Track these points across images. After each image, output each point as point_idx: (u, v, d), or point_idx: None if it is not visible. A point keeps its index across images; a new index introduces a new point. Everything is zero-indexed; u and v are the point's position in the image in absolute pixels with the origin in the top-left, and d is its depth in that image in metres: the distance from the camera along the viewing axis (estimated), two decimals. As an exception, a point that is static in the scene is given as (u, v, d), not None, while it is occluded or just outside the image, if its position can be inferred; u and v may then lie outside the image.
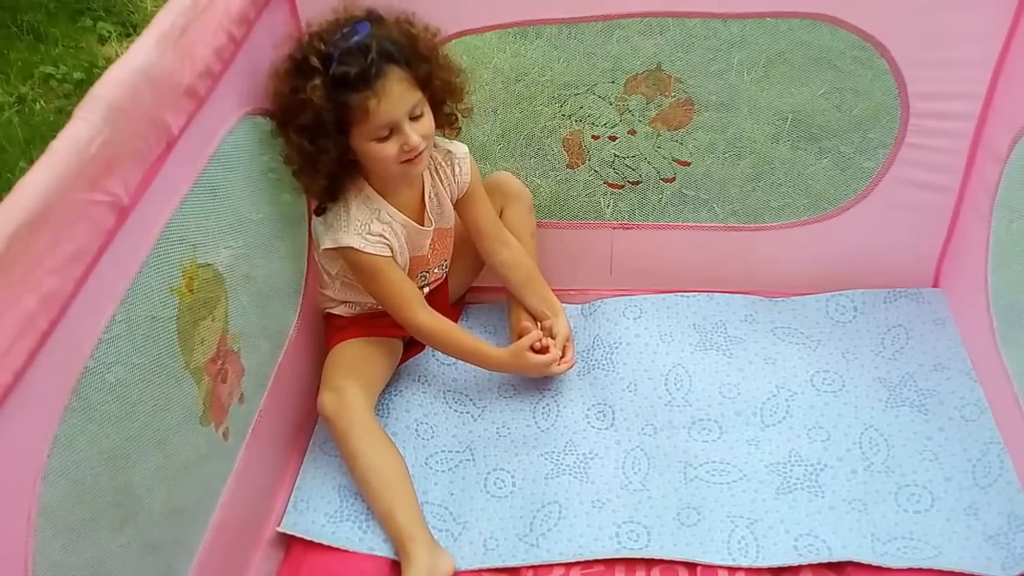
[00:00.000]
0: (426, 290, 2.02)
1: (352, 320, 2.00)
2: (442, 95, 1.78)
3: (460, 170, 1.93)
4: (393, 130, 1.69)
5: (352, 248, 1.79)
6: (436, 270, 2.02)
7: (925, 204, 2.04)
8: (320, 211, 1.83)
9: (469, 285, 2.22)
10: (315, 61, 1.62)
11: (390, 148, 1.71)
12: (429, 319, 1.90)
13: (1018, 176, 1.79)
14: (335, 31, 1.65)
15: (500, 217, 2.09)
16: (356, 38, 1.63)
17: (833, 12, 1.81)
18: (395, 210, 1.84)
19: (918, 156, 1.97)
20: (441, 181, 1.92)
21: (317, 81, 1.62)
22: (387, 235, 1.83)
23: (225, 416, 1.59)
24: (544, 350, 1.96)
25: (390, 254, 1.84)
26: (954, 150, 1.95)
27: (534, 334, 1.96)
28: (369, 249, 1.80)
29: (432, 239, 1.95)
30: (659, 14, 1.93)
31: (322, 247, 1.84)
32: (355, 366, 1.92)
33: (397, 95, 1.66)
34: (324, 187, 1.76)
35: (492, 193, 2.10)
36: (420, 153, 1.73)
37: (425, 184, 1.90)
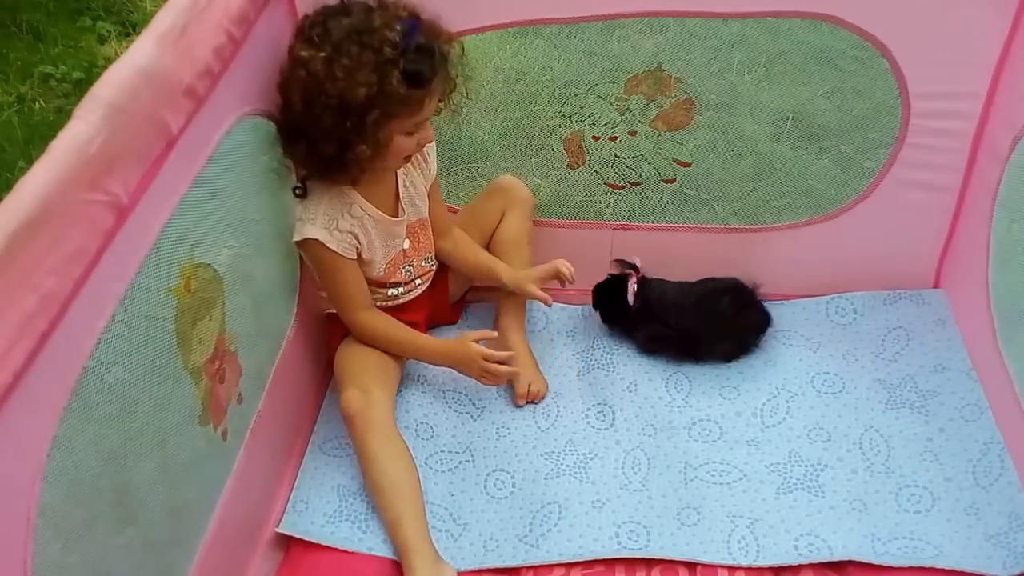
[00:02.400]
0: (418, 283, 2.02)
1: None
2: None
3: (431, 157, 1.95)
4: (418, 125, 1.74)
5: (317, 241, 1.78)
6: (422, 263, 2.01)
7: (926, 204, 2.03)
8: (302, 193, 1.80)
9: (467, 287, 2.22)
10: (390, 53, 1.61)
11: (411, 142, 1.76)
12: (369, 318, 1.93)
13: (1019, 176, 1.79)
14: (392, 22, 1.63)
15: (501, 220, 2.11)
16: (419, 38, 1.64)
17: (834, 12, 1.81)
18: (368, 203, 1.84)
19: (919, 156, 1.97)
20: (416, 169, 1.93)
21: (398, 74, 1.62)
22: (356, 231, 1.83)
23: (224, 416, 1.59)
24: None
25: (354, 255, 1.84)
26: (955, 150, 1.95)
27: (484, 332, 1.95)
28: (333, 246, 1.80)
29: (411, 231, 1.95)
30: (659, 14, 1.93)
31: (292, 239, 1.82)
32: (373, 363, 1.92)
33: (437, 94, 1.72)
34: (324, 166, 1.74)
35: (496, 195, 2.10)
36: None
37: (398, 175, 1.89)
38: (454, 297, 2.19)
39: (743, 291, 2.08)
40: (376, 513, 1.81)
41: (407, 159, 1.82)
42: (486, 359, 1.90)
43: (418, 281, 2.03)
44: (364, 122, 1.65)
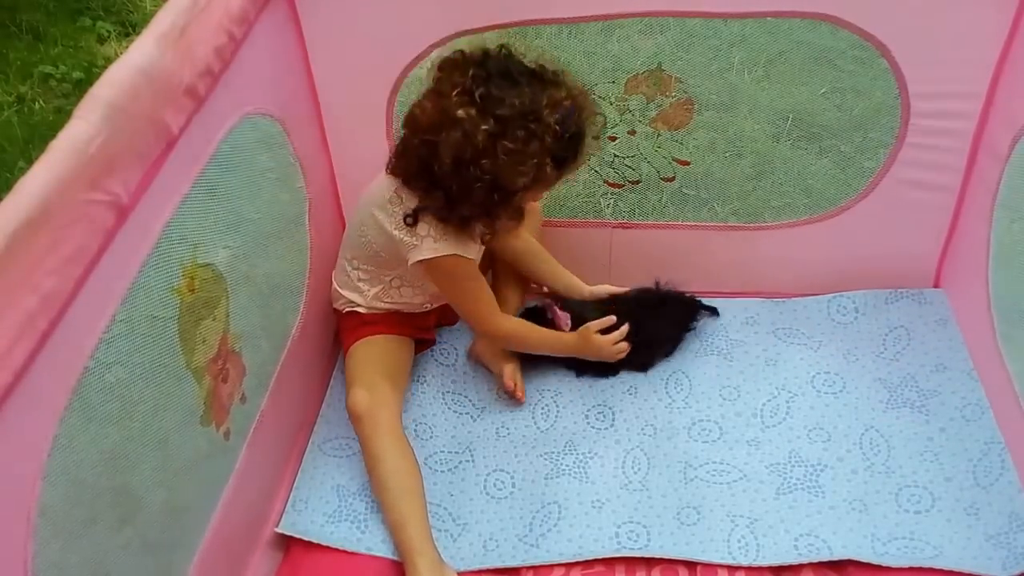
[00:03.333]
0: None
1: (379, 316, 1.99)
2: None
3: None
4: None
5: (455, 256, 1.78)
6: None
7: (926, 204, 2.03)
8: (412, 223, 1.77)
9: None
10: (550, 143, 1.64)
11: (536, 203, 1.82)
12: (507, 323, 1.95)
13: (1019, 176, 1.79)
14: (556, 104, 1.64)
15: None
16: (572, 125, 1.67)
17: (834, 12, 1.81)
18: None
19: (919, 156, 1.97)
20: None
21: (550, 161, 1.66)
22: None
23: (226, 416, 1.59)
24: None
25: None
26: (955, 150, 1.95)
27: (605, 320, 1.97)
28: (472, 255, 1.81)
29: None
30: (659, 14, 1.93)
31: (415, 259, 1.79)
32: (385, 365, 1.93)
33: (576, 169, 1.78)
34: (457, 220, 1.74)
35: None
36: None
37: None
38: None
39: (657, 291, 2.11)
40: (378, 513, 1.81)
41: None
42: (607, 343, 1.96)
43: None
44: (513, 202, 1.71)
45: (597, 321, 1.96)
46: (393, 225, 1.79)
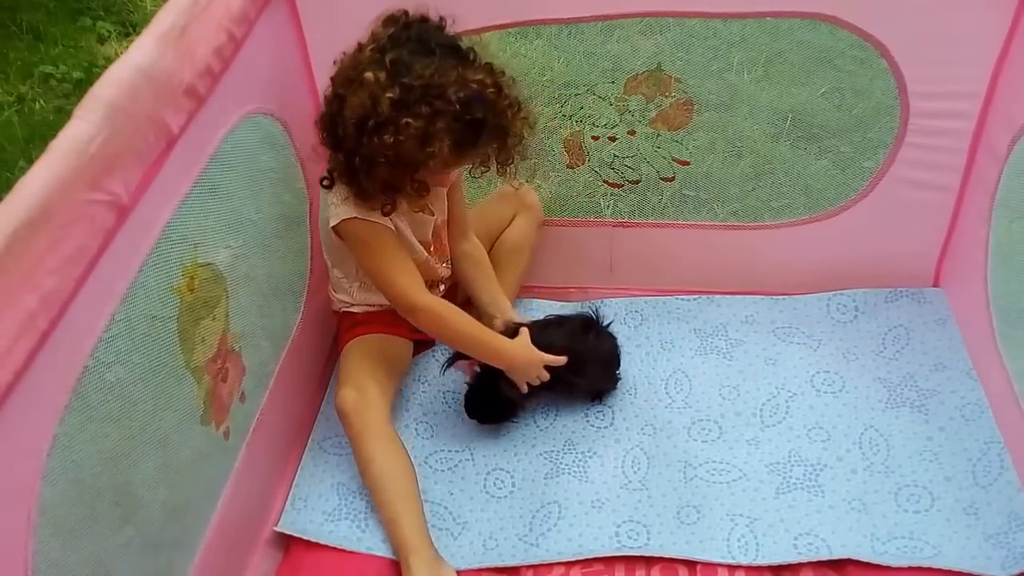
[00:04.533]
0: (441, 288, 2.03)
1: (373, 316, 1.99)
2: (505, 157, 1.80)
3: None
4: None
5: (356, 218, 1.73)
6: (444, 265, 2.01)
7: (925, 203, 2.04)
8: (329, 184, 1.76)
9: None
10: (450, 120, 1.60)
11: (440, 179, 1.79)
12: (435, 301, 1.83)
13: (1018, 176, 1.79)
14: (465, 83, 1.61)
15: (510, 224, 2.12)
16: (478, 109, 1.63)
17: (833, 12, 1.81)
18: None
19: (918, 156, 1.97)
20: None
21: (448, 140, 1.61)
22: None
23: (226, 415, 1.59)
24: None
25: (393, 227, 1.80)
26: (954, 149, 1.95)
27: (558, 359, 1.88)
28: (374, 218, 1.74)
29: (434, 234, 1.94)
30: (659, 14, 1.93)
31: (330, 225, 1.77)
32: (376, 364, 1.91)
33: (475, 157, 1.76)
34: (358, 186, 1.71)
35: (508, 199, 2.09)
36: None
37: None
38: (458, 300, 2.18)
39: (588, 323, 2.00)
40: (375, 512, 1.81)
41: None
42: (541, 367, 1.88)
43: (442, 287, 2.03)
44: (411, 176, 1.67)
45: (551, 356, 1.88)
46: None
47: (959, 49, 1.81)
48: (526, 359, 1.86)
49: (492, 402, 1.92)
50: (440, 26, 1.68)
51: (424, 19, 1.68)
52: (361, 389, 1.84)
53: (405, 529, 1.73)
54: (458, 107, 1.59)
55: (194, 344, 1.44)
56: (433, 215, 1.91)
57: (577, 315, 2.03)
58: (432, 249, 1.95)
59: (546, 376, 1.87)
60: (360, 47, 1.66)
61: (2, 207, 1.01)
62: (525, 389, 1.88)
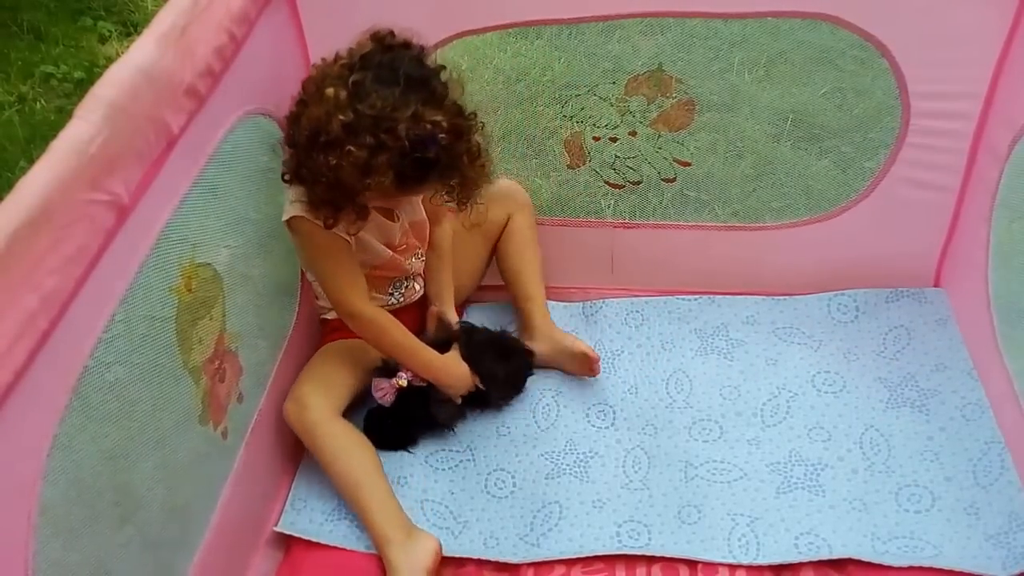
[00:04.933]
0: (417, 288, 2.02)
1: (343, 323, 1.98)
2: (459, 194, 1.77)
3: None
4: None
5: (304, 218, 1.72)
6: (414, 260, 1.99)
7: (926, 204, 2.03)
8: (290, 179, 1.73)
9: (472, 289, 2.21)
10: (395, 156, 1.56)
11: (381, 203, 1.76)
12: (371, 309, 1.83)
13: (1018, 176, 1.79)
14: (419, 128, 1.56)
15: (507, 224, 2.11)
16: (430, 149, 1.58)
17: (834, 12, 1.81)
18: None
19: (919, 156, 1.97)
20: None
21: (391, 175, 1.58)
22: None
23: (224, 416, 1.59)
24: None
25: (345, 235, 1.77)
26: (955, 150, 1.95)
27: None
28: (320, 220, 1.72)
29: (403, 233, 1.93)
30: (659, 14, 1.93)
31: (282, 219, 1.76)
32: (325, 370, 1.90)
33: (421, 193, 1.76)
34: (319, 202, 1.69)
35: (501, 200, 2.08)
36: None
37: None
38: (456, 302, 2.17)
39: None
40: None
41: None
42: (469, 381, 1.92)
43: (416, 286, 2.02)
44: (352, 199, 1.64)
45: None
46: None
47: (960, 49, 1.81)
48: (457, 376, 1.91)
49: (394, 431, 1.92)
50: (418, 56, 1.64)
51: (406, 44, 1.64)
52: (296, 399, 1.83)
53: (374, 518, 1.75)
54: (406, 144, 1.55)
55: (192, 344, 1.45)
56: (397, 220, 1.88)
57: (489, 333, 2.02)
58: (402, 247, 1.94)
59: (467, 387, 1.92)
60: (336, 58, 1.65)
61: (3, 207, 1.01)
62: (459, 400, 1.91)
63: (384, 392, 1.86)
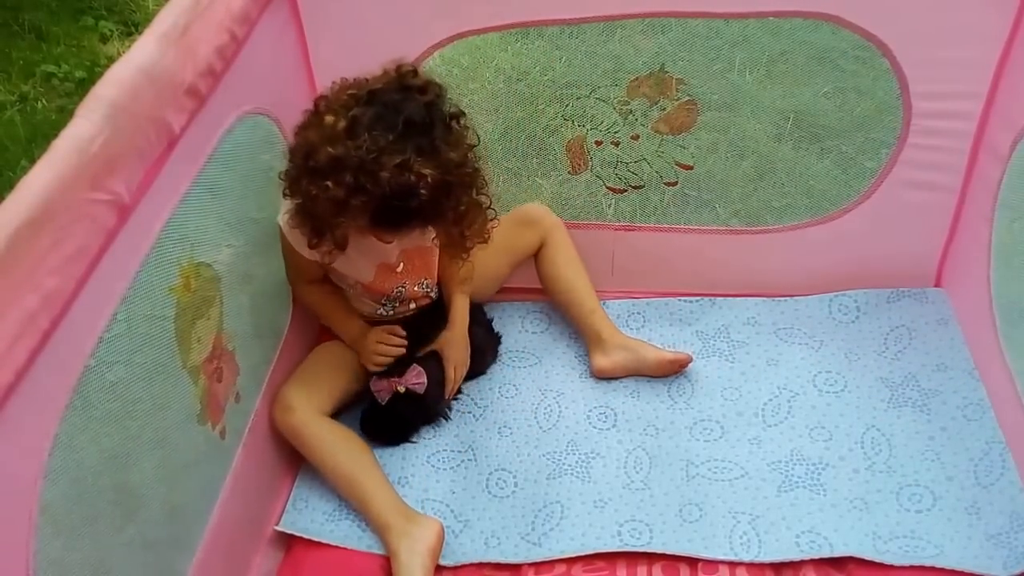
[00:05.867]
0: (411, 306, 2.00)
1: None
2: (454, 238, 1.76)
3: None
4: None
5: (281, 228, 1.76)
6: (416, 288, 1.97)
7: (927, 204, 2.03)
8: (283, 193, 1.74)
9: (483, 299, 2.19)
10: (370, 198, 1.55)
11: (372, 242, 1.74)
12: (308, 291, 1.92)
13: (1020, 176, 1.79)
14: (402, 177, 1.53)
15: (544, 247, 2.11)
16: (413, 199, 1.55)
17: (835, 12, 1.81)
18: None
19: (920, 156, 1.97)
20: None
21: (367, 217, 1.58)
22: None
23: (222, 415, 1.59)
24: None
25: (314, 259, 1.78)
26: (956, 150, 1.94)
27: (393, 328, 1.94)
28: (291, 240, 1.75)
29: (405, 255, 1.91)
30: (660, 14, 1.93)
31: (277, 219, 1.79)
32: (312, 371, 1.92)
33: (406, 236, 1.70)
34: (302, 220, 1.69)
35: (531, 225, 2.09)
36: None
37: None
38: None
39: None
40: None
41: None
42: (381, 341, 1.92)
43: (412, 305, 2.01)
44: (331, 228, 1.63)
45: (386, 327, 1.94)
46: None
47: (961, 49, 1.81)
48: (366, 347, 1.92)
49: (392, 426, 1.96)
50: (430, 102, 1.60)
51: (423, 88, 1.61)
52: (281, 401, 1.84)
53: (372, 509, 1.77)
54: (386, 190, 1.53)
55: (190, 344, 1.45)
56: (390, 242, 1.81)
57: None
58: (405, 269, 1.93)
59: (381, 361, 1.92)
60: (355, 81, 1.63)
61: (4, 206, 1.02)
62: (377, 361, 1.92)
63: (381, 391, 1.92)
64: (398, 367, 1.93)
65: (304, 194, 1.60)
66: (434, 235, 1.82)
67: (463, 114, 1.66)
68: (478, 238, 1.77)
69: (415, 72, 1.65)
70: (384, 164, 1.53)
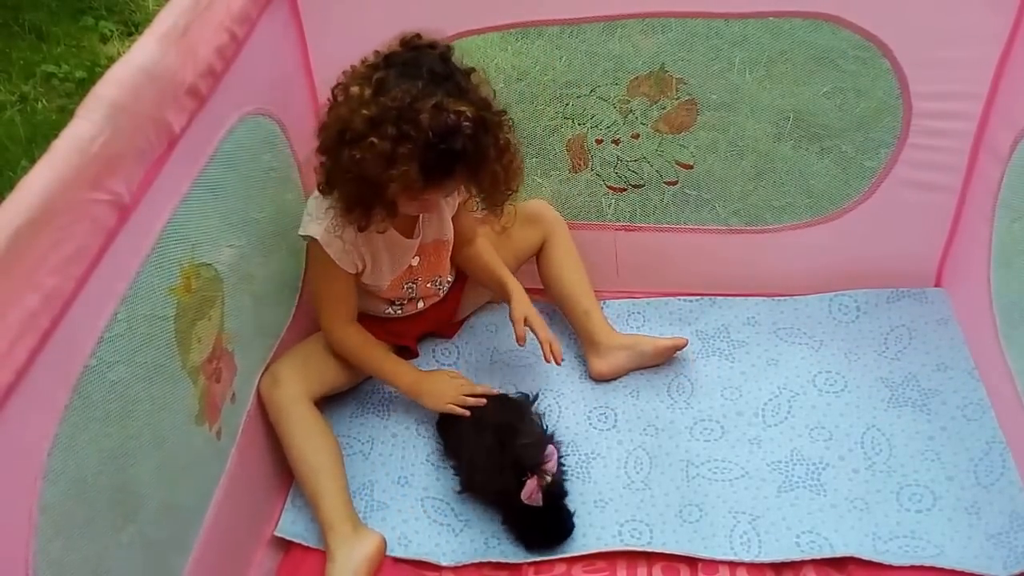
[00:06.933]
0: (420, 304, 2.01)
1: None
2: (490, 196, 1.77)
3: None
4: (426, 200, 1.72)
5: (314, 239, 1.76)
6: (428, 285, 1.97)
7: (927, 204, 2.03)
8: (324, 190, 1.74)
9: (480, 304, 2.20)
10: (416, 140, 1.55)
11: (415, 206, 1.74)
12: (347, 335, 1.90)
13: (1020, 176, 1.79)
14: (443, 116, 1.55)
15: (545, 244, 2.11)
16: (455, 141, 1.57)
17: (835, 11, 1.81)
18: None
19: (920, 156, 1.97)
20: None
21: (412, 164, 1.56)
22: (360, 244, 1.79)
23: (218, 416, 1.59)
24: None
25: (352, 270, 1.81)
26: (956, 150, 1.94)
27: (482, 390, 1.90)
28: (330, 251, 1.76)
29: (422, 249, 1.91)
30: (660, 14, 1.94)
31: (299, 232, 1.79)
32: (308, 352, 1.91)
33: (449, 189, 1.71)
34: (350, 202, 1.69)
35: (532, 221, 2.09)
36: None
37: None
38: (461, 315, 2.17)
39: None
40: (375, 512, 1.82)
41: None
42: (466, 385, 1.91)
43: (420, 304, 2.01)
44: (378, 193, 1.62)
45: (449, 371, 1.96)
46: None
47: (961, 49, 1.81)
48: (428, 393, 1.90)
49: (557, 519, 1.77)
50: (442, 54, 1.64)
51: (432, 45, 1.65)
52: (273, 374, 1.84)
53: (322, 506, 1.77)
54: (429, 134, 1.55)
55: (191, 344, 1.45)
56: (416, 236, 1.87)
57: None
58: (418, 268, 1.93)
59: (468, 391, 1.87)
60: (363, 61, 1.65)
61: (4, 206, 1.02)
62: (455, 409, 1.85)
63: (533, 495, 1.70)
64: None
65: (348, 166, 1.60)
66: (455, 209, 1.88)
67: (474, 69, 1.68)
68: (517, 179, 1.77)
69: (418, 36, 1.67)
70: (420, 108, 1.55)
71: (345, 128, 1.59)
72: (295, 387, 1.83)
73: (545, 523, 1.76)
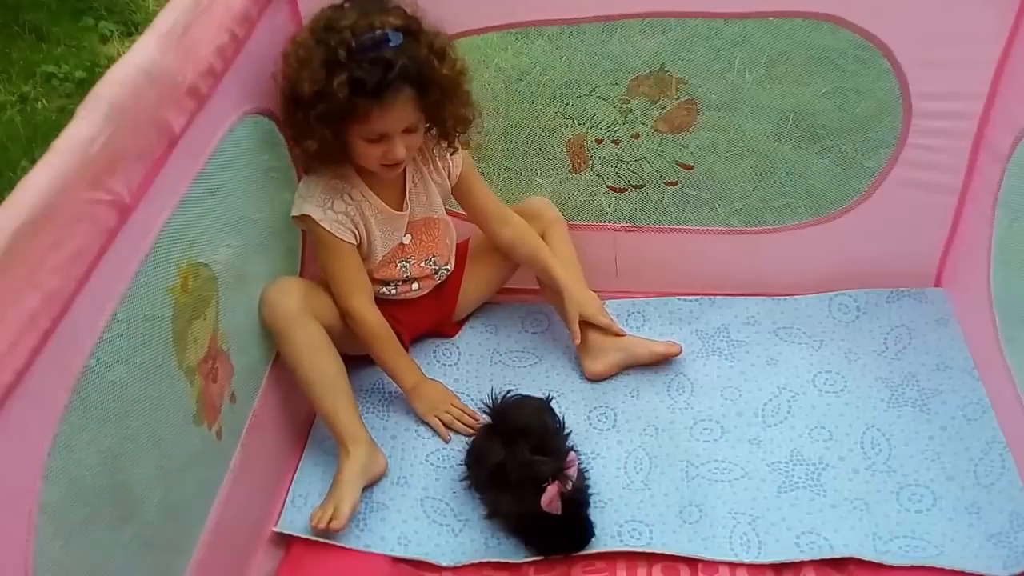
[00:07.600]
0: (415, 286, 2.01)
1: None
2: (447, 121, 1.79)
3: (451, 160, 1.93)
4: (383, 137, 1.72)
5: (310, 218, 1.79)
6: (423, 264, 1.98)
7: (927, 204, 2.03)
8: (308, 169, 1.83)
9: (483, 301, 2.20)
10: (342, 55, 1.61)
11: (375, 151, 1.74)
12: (366, 310, 1.89)
13: (1020, 175, 1.79)
14: (367, 29, 1.62)
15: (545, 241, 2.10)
16: (384, 49, 1.62)
17: (835, 12, 1.81)
18: (370, 191, 1.84)
19: (920, 156, 1.97)
20: (428, 166, 1.91)
21: (343, 77, 1.61)
22: (353, 215, 1.82)
23: (217, 416, 1.59)
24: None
25: (351, 240, 1.83)
26: (956, 150, 1.94)
27: (471, 420, 1.95)
28: (326, 225, 1.79)
29: (413, 226, 1.93)
30: (661, 14, 1.94)
31: (291, 215, 1.82)
32: (320, 283, 1.91)
33: (399, 112, 1.69)
34: (315, 155, 1.74)
35: (531, 219, 2.08)
36: (400, 162, 1.78)
37: (408, 170, 1.88)
38: (462, 312, 2.17)
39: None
40: (378, 511, 1.82)
41: (387, 168, 1.79)
42: (458, 407, 1.96)
43: (415, 285, 2.01)
44: (308, 117, 1.66)
45: (453, 401, 1.97)
46: None
47: (961, 49, 1.81)
48: (426, 399, 1.96)
49: (577, 527, 1.73)
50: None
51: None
52: (281, 291, 1.82)
53: (342, 418, 1.82)
54: (350, 41, 1.60)
55: (187, 344, 1.45)
56: (405, 209, 1.89)
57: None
58: (410, 247, 1.94)
59: (456, 424, 1.93)
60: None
61: (5, 206, 1.02)
62: (437, 423, 1.94)
63: (552, 502, 1.65)
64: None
65: (298, 113, 1.66)
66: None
67: (451, 44, 1.73)
68: (466, 102, 1.78)
69: None
70: (344, 24, 1.62)
71: (288, 74, 1.66)
72: (303, 301, 1.82)
73: (559, 530, 1.71)
